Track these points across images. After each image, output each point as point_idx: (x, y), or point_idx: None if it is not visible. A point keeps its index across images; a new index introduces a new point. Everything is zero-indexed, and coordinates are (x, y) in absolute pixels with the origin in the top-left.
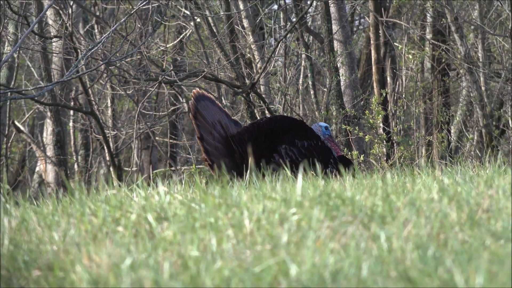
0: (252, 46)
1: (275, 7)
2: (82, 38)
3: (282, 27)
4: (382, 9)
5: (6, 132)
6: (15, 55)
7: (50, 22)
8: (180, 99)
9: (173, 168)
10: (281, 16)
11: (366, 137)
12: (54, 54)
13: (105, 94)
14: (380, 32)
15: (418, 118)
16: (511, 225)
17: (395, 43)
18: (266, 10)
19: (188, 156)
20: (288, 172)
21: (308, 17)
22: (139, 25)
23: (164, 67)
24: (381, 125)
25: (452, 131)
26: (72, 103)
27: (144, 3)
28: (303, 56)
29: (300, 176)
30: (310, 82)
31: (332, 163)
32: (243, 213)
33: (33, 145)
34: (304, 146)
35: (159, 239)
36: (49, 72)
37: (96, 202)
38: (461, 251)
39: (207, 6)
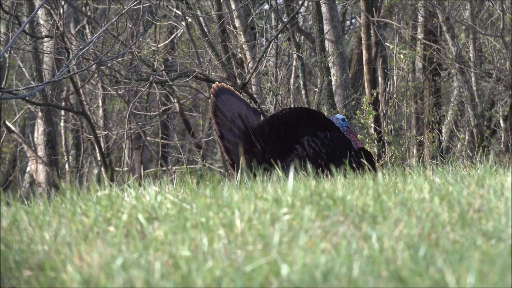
0: (244, 46)
1: (267, 7)
2: (73, 38)
3: (273, 27)
4: (374, 9)
5: None
6: (6, 55)
7: (42, 22)
8: (171, 99)
9: (164, 168)
10: (273, 16)
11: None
12: (45, 54)
13: (96, 94)
14: (371, 32)
15: (409, 118)
16: (502, 224)
17: (386, 43)
18: (258, 10)
19: (179, 156)
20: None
21: (299, 17)
22: (130, 25)
23: (155, 67)
24: (372, 125)
25: (443, 131)
26: (63, 103)
27: (135, 3)
28: (294, 56)
29: (291, 175)
30: (301, 82)
31: (354, 156)
32: (234, 213)
33: (24, 145)
34: (327, 137)
35: (150, 239)
36: (40, 72)
37: (87, 202)
38: (452, 251)
39: (198, 6)
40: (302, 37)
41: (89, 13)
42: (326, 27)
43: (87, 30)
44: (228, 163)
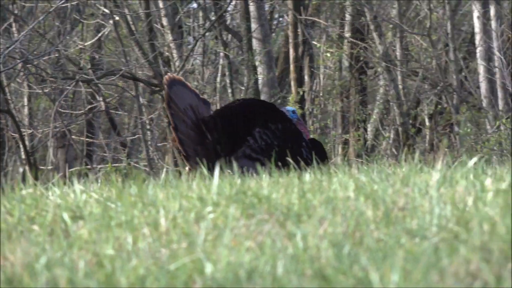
0: (171, 45)
1: (195, 5)
2: None
3: (201, 25)
4: (302, 7)
5: None
6: None
7: None
8: (97, 97)
9: (89, 167)
10: (200, 15)
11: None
12: None
13: (21, 92)
14: (299, 30)
15: (335, 117)
16: (426, 223)
17: (313, 42)
18: (186, 8)
19: (104, 154)
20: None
21: (227, 16)
22: (57, 24)
23: (81, 66)
24: None
25: (368, 129)
26: None
27: (63, 1)
28: (221, 54)
29: (216, 173)
30: (228, 81)
31: (305, 147)
32: (159, 212)
33: None
34: (279, 128)
35: (75, 237)
36: None
37: (12, 201)
38: (376, 249)
39: (126, 4)
40: (230, 35)
41: (16, 11)
42: (253, 26)
43: (14, 28)
44: (181, 155)
